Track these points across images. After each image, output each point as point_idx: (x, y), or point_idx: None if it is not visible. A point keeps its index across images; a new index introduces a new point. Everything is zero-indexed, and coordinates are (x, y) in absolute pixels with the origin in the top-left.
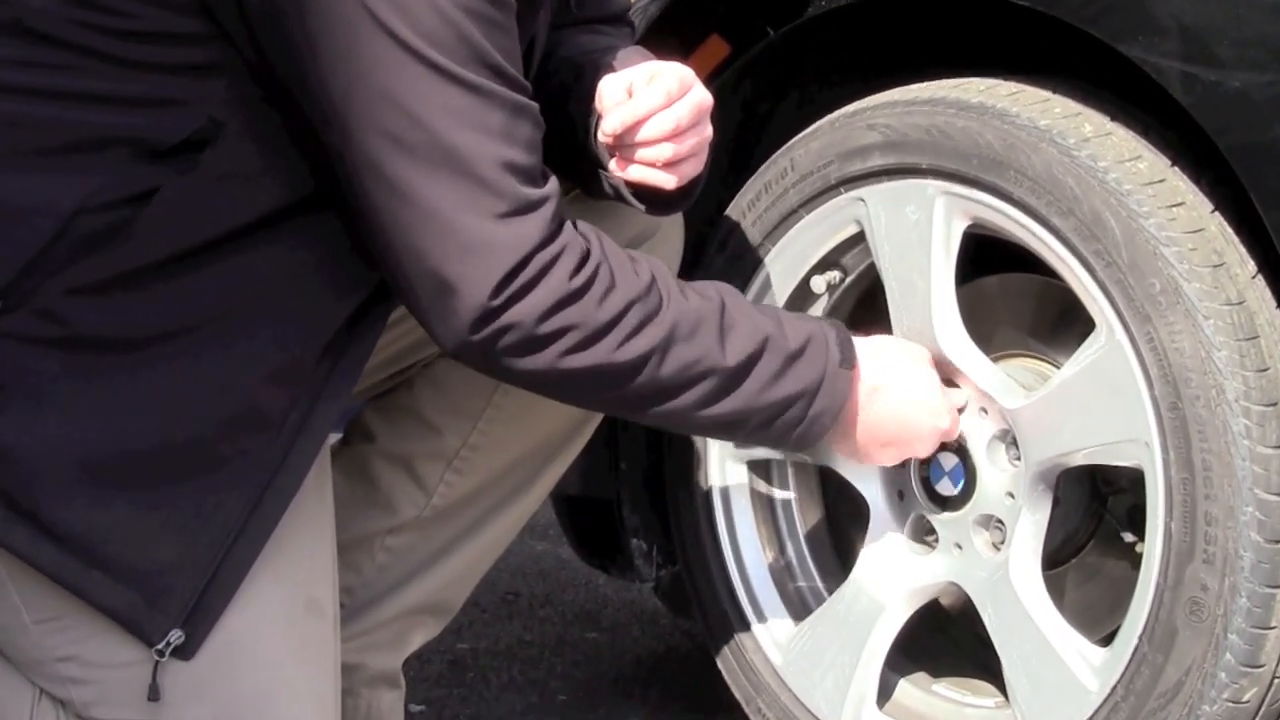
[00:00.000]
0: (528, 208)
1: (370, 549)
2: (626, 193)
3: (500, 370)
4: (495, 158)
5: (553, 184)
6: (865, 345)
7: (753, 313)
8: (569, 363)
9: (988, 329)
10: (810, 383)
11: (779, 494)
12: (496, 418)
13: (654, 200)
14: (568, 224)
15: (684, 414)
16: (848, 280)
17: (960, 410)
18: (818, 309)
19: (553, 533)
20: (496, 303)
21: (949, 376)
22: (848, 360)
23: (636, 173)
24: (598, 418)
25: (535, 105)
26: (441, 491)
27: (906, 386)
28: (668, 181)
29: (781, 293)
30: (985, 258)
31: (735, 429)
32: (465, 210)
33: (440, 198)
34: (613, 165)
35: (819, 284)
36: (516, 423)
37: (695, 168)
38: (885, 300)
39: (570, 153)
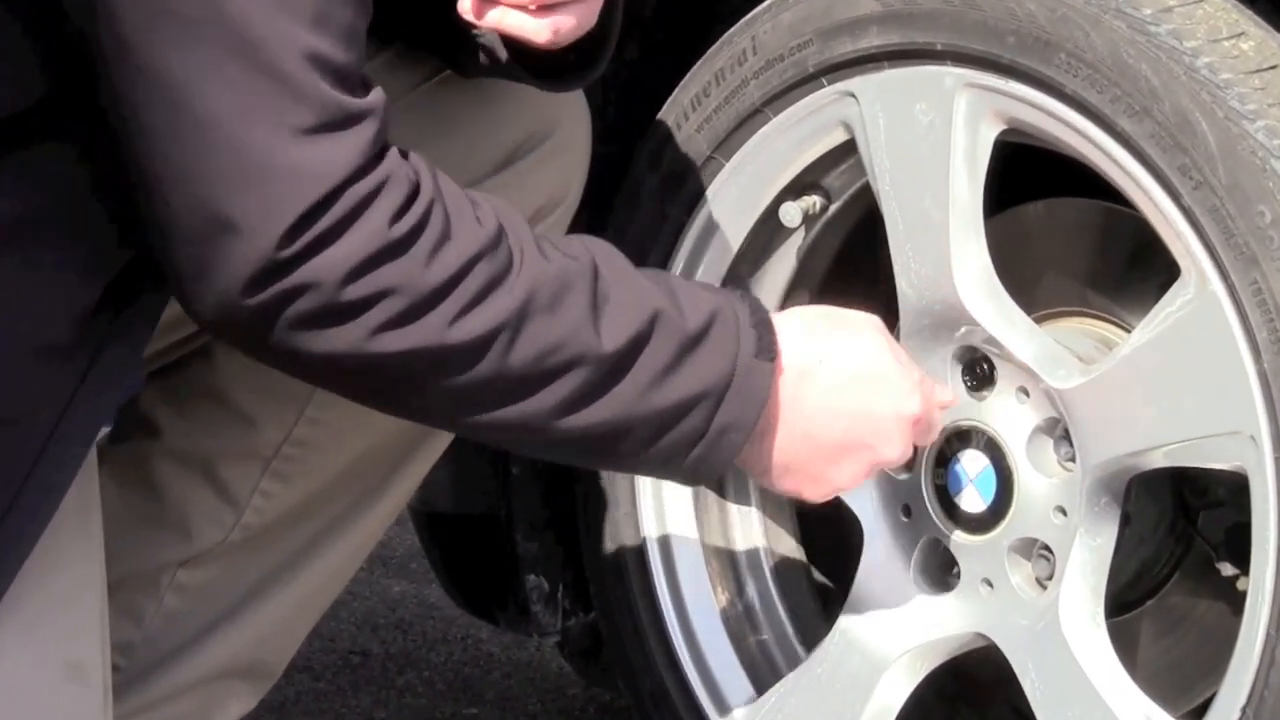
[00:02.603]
0: (341, 122)
1: (155, 589)
2: (505, 56)
3: (280, 352)
4: (301, 48)
5: (376, 95)
6: (787, 321)
7: (636, 278)
8: (381, 343)
9: (1029, 278)
10: (715, 380)
11: (736, 510)
12: (331, 400)
13: (544, 69)
14: (392, 150)
15: (539, 424)
16: (832, 209)
17: (943, 406)
18: (790, 250)
19: (415, 567)
20: (287, 253)
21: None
22: (766, 347)
23: (495, 17)
24: None
25: None
26: (256, 506)
27: (849, 363)
28: (538, 32)
29: (738, 227)
30: (1025, 177)
31: (608, 448)
32: (255, 120)
33: (221, 100)
34: (466, 5)
35: (792, 214)
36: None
37: (584, 18)
38: (884, 237)
39: (432, 16)
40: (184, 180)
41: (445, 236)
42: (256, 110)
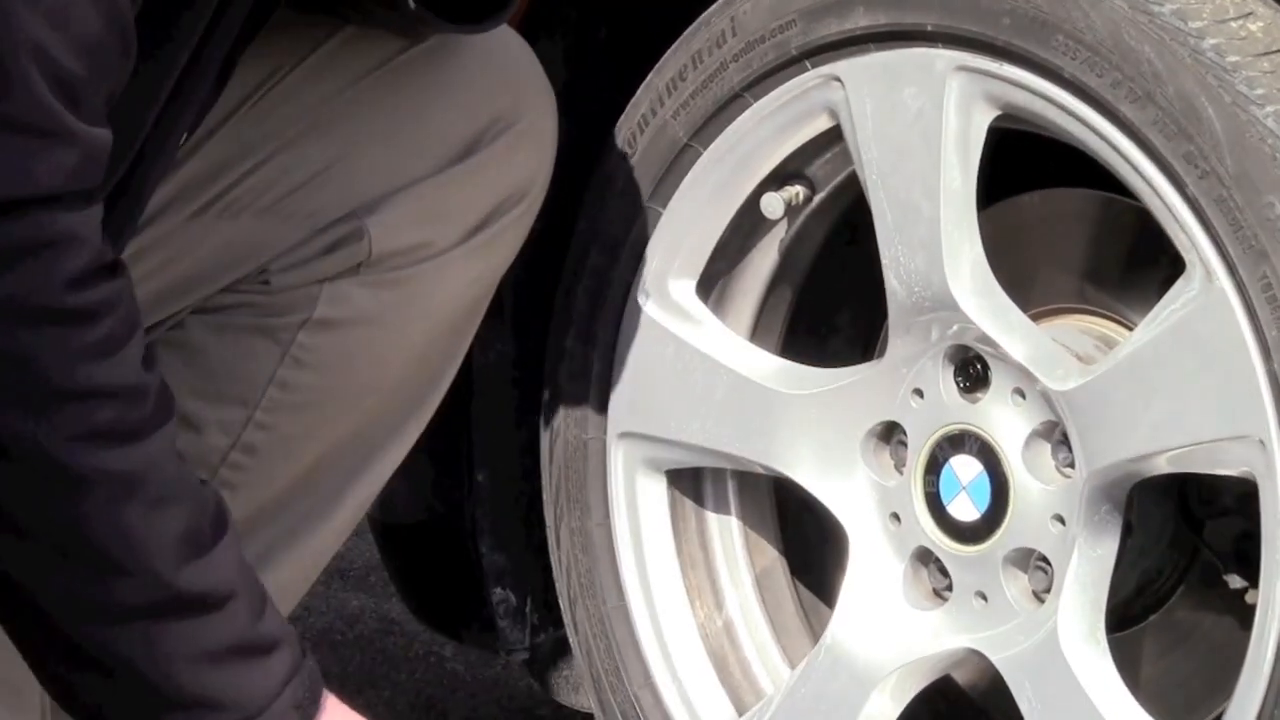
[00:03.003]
0: (57, 135)
1: None
2: (412, 3)
3: None
4: (28, 38)
5: (102, 135)
6: (337, 715)
7: (236, 553)
8: None
9: (1025, 273)
10: (247, 701)
11: (714, 520)
12: (285, 401)
13: (453, 11)
14: (96, 213)
15: (55, 604)
16: (816, 200)
17: None
18: (771, 243)
19: (375, 580)
20: None
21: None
22: (306, 711)
23: None
24: (442, 386)
25: None
26: None
27: None
28: None
29: (716, 218)
30: (1021, 167)
31: (103, 687)
32: None
33: None
34: None
35: (773, 205)
36: (318, 407)
37: None
38: (871, 230)
39: None
40: None
41: (108, 350)
42: None
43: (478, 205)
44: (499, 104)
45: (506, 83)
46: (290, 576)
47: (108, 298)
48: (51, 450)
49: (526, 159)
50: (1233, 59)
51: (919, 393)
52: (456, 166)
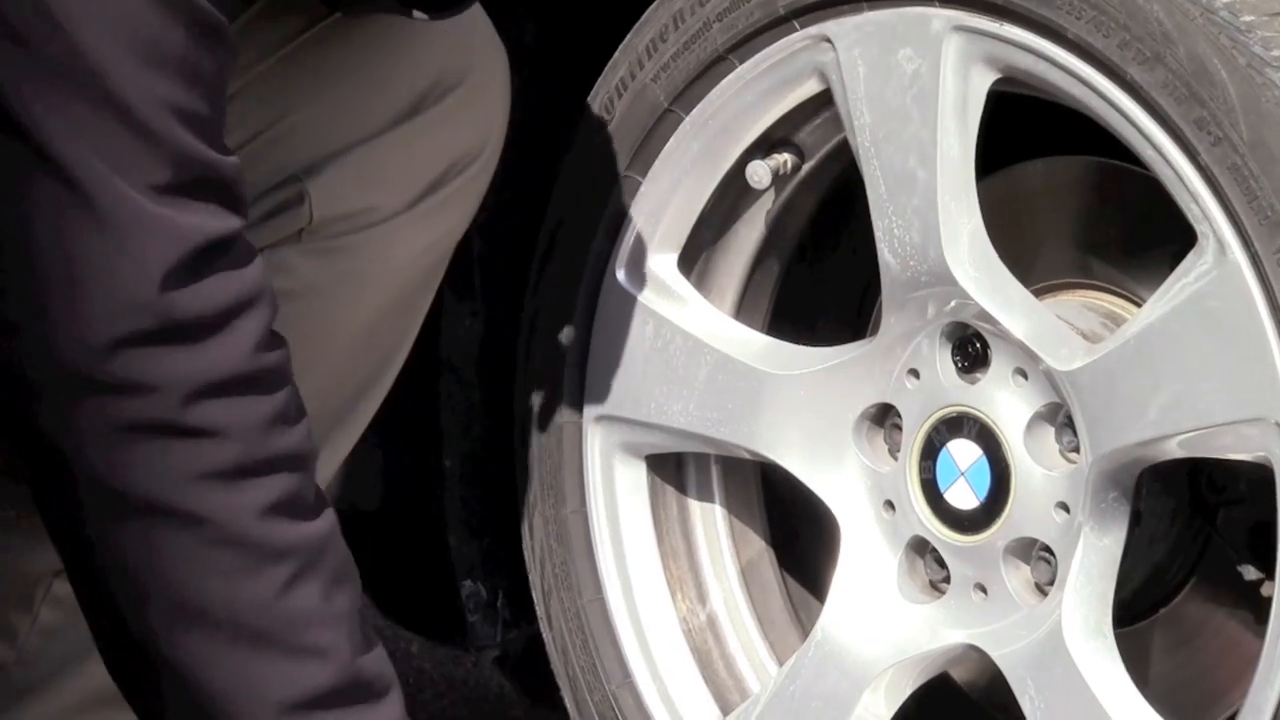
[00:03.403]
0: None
1: (29, 603)
2: None
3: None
4: (160, 98)
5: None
6: None
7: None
8: (174, 493)
9: (1027, 245)
10: None
11: (697, 508)
12: None
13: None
14: (264, 271)
15: (253, 701)
16: (805, 168)
17: None
18: (758, 214)
19: None
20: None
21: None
22: None
23: None
24: (396, 362)
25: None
26: None
27: None
28: None
29: (699, 188)
30: (1023, 133)
31: None
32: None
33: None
34: None
35: (759, 174)
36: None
37: None
38: (864, 199)
39: None
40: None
41: (290, 412)
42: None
43: (426, 167)
44: (445, 60)
45: (452, 38)
46: None
47: (286, 361)
48: (244, 526)
49: (477, 118)
50: (1247, 18)
51: (914, 373)
52: (401, 126)
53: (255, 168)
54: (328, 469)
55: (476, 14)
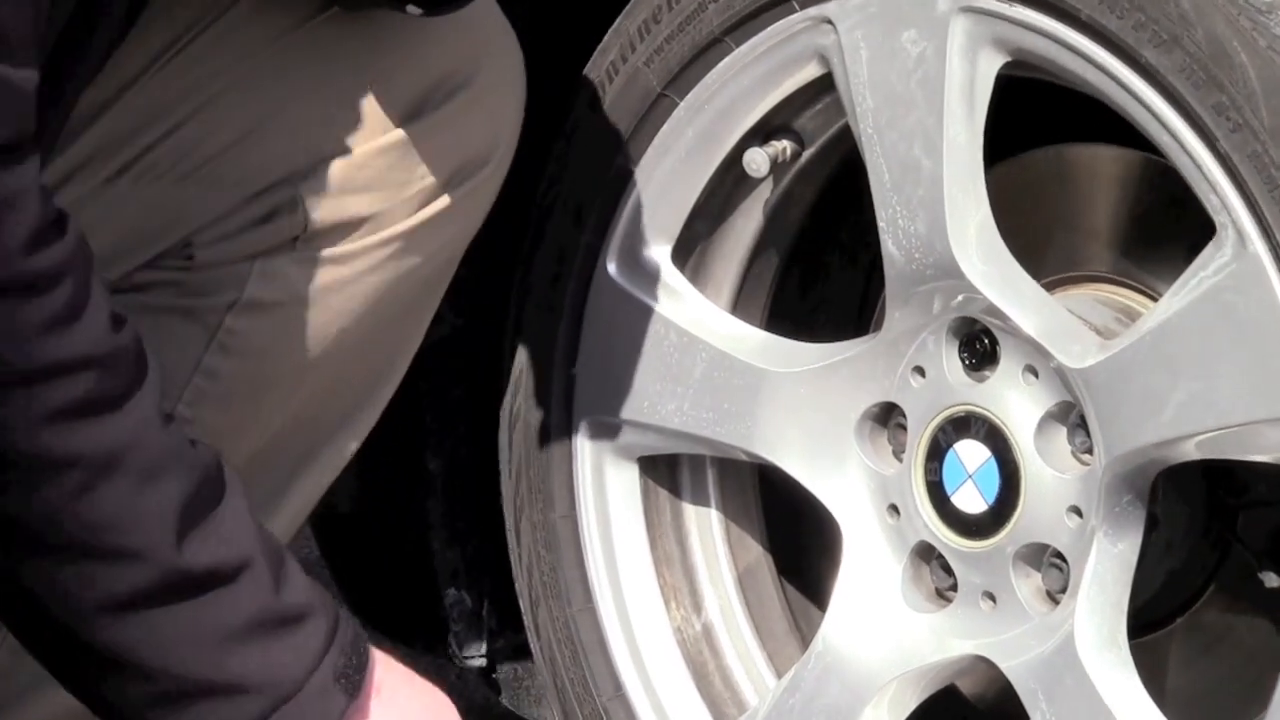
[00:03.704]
0: None
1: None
2: None
3: None
4: None
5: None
6: (389, 677)
7: (248, 520)
8: None
9: (1038, 237)
10: (281, 679)
11: (692, 512)
12: (211, 392)
13: None
14: (36, 164)
15: (66, 607)
16: (805, 156)
17: None
18: (756, 204)
19: (313, 578)
20: None
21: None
22: (351, 680)
23: None
24: (398, 372)
25: None
26: None
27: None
28: None
29: (694, 177)
30: (1033, 119)
31: (125, 687)
32: None
33: None
34: None
35: (757, 162)
36: (249, 398)
37: None
38: (867, 189)
39: None
40: None
41: (74, 315)
42: None
43: (429, 173)
44: (453, 57)
45: (462, 33)
46: None
47: (66, 257)
48: (20, 439)
49: (487, 119)
50: None
51: (920, 371)
52: (403, 129)
53: (243, 168)
54: (324, 480)
55: (489, 6)
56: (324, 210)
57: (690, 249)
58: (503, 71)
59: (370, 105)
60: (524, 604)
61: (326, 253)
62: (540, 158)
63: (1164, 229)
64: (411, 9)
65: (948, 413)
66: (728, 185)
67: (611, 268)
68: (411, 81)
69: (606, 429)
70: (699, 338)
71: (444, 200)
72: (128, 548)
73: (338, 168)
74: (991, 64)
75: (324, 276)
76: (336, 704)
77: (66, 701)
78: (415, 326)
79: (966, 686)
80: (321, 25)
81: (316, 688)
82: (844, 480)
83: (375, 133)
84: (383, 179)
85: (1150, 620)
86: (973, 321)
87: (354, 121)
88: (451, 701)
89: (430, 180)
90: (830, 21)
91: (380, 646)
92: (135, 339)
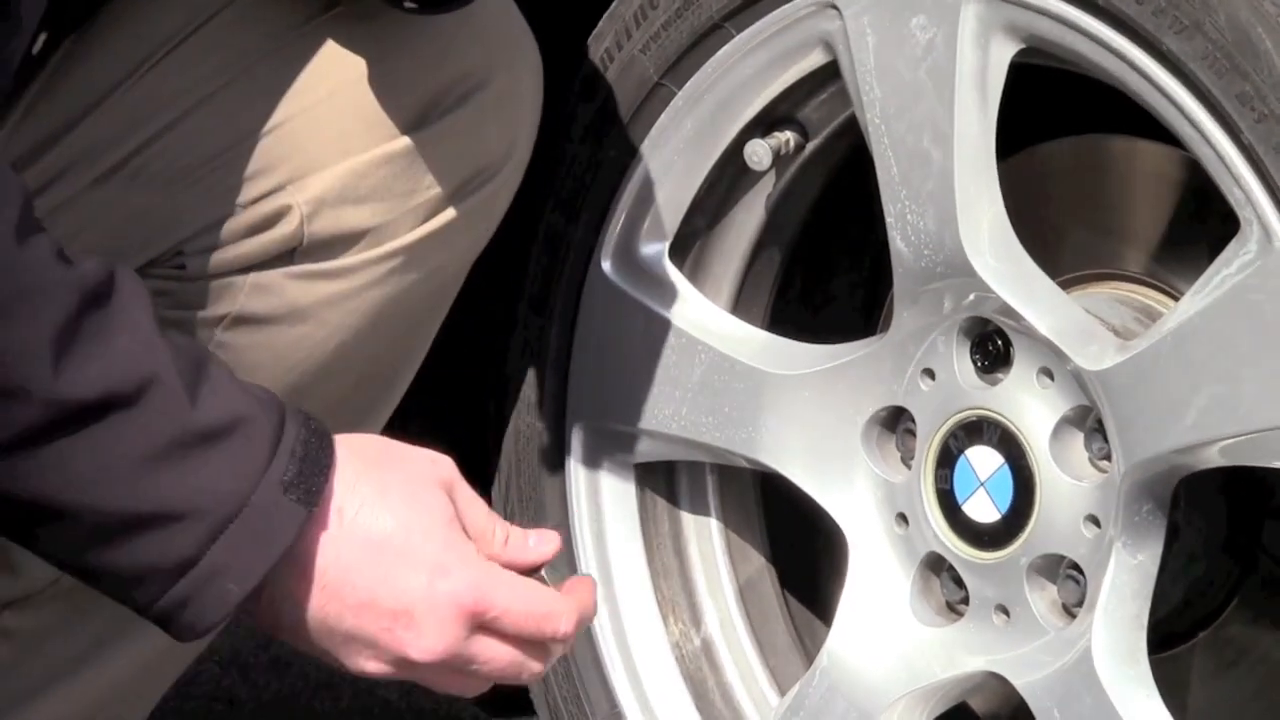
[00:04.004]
0: None
1: None
2: None
3: None
4: None
5: None
6: (352, 452)
7: (143, 339)
8: None
9: (1053, 233)
10: (215, 501)
11: (691, 522)
12: None
13: None
14: None
15: None
16: (809, 148)
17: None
18: (757, 199)
19: None
20: None
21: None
22: (305, 488)
23: None
24: (398, 390)
25: None
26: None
27: (393, 515)
28: None
29: (693, 170)
30: (1048, 109)
31: (47, 532)
32: None
33: None
34: None
35: (759, 154)
36: None
37: None
38: (875, 182)
39: None
40: None
41: None
42: None
43: (436, 183)
44: (465, 59)
45: (476, 33)
46: None
47: None
48: None
49: (501, 127)
50: None
51: (929, 373)
52: (410, 136)
53: (238, 173)
54: None
55: (506, 5)
56: (322, 221)
57: (689, 246)
58: (519, 75)
59: (374, 110)
60: None
61: (325, 266)
62: (533, 150)
63: (1186, 224)
64: (408, 4)
65: (959, 417)
66: (728, 179)
67: (606, 265)
68: (420, 85)
69: (601, 435)
70: (698, 339)
71: (451, 212)
72: (1, 388)
73: (338, 176)
74: (1004, 51)
75: (322, 291)
76: (291, 517)
77: (75, 703)
78: (418, 344)
79: (978, 704)
80: (324, 25)
81: (261, 505)
82: (850, 488)
83: (379, 139)
84: (386, 188)
85: (1171, 635)
86: (985, 321)
87: (357, 127)
88: (449, 458)
89: (437, 190)
90: (835, 7)
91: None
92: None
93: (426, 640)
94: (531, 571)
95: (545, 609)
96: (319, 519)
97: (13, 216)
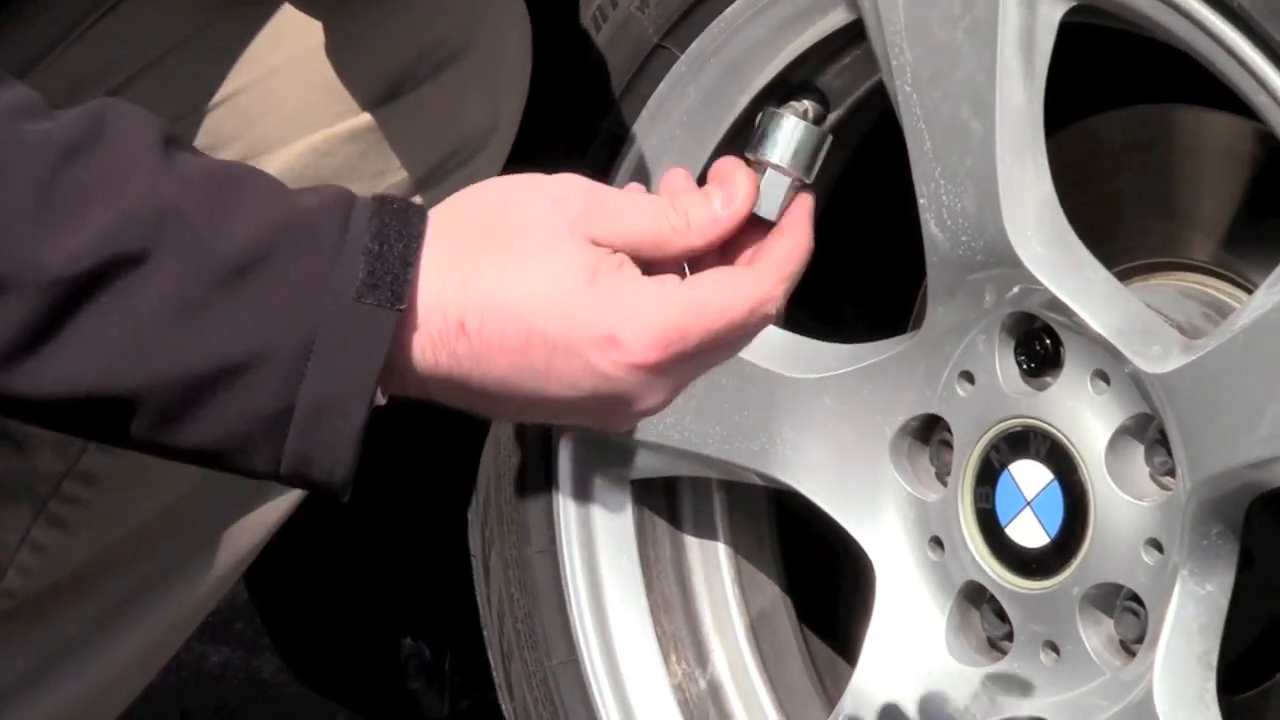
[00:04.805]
0: None
1: None
2: None
3: None
4: None
5: None
6: (452, 231)
7: (153, 170)
8: None
9: (1110, 216)
10: (274, 335)
11: (696, 547)
12: None
13: None
14: None
15: None
16: (831, 119)
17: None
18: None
19: (243, 628)
20: None
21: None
22: (386, 287)
23: None
24: None
25: None
26: (24, 563)
27: (521, 297)
28: None
29: (699, 145)
30: (1104, 75)
31: (100, 422)
32: None
33: None
34: None
35: None
36: None
37: None
38: (905, 158)
39: None
40: None
41: None
42: None
43: (411, 162)
44: (442, 23)
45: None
46: (144, 643)
47: None
48: None
49: (483, 99)
50: None
51: (968, 377)
52: (380, 109)
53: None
54: (259, 532)
55: None
56: None
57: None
58: (504, 41)
59: (339, 79)
60: (493, 656)
61: None
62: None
63: (1259, 208)
64: None
65: (1001, 427)
66: (737, 149)
67: None
68: (391, 51)
69: (592, 448)
70: None
71: (430, 193)
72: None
73: (298, 154)
74: (1054, 9)
75: None
76: (375, 327)
77: (60, 698)
78: None
79: None
80: None
81: (332, 323)
82: (877, 509)
83: (345, 113)
84: (353, 169)
85: (1244, 675)
86: (1031, 318)
87: (319, 99)
88: (572, 176)
89: (412, 170)
90: None
91: (324, 707)
92: None
93: (637, 413)
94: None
95: (745, 307)
96: (408, 317)
97: None
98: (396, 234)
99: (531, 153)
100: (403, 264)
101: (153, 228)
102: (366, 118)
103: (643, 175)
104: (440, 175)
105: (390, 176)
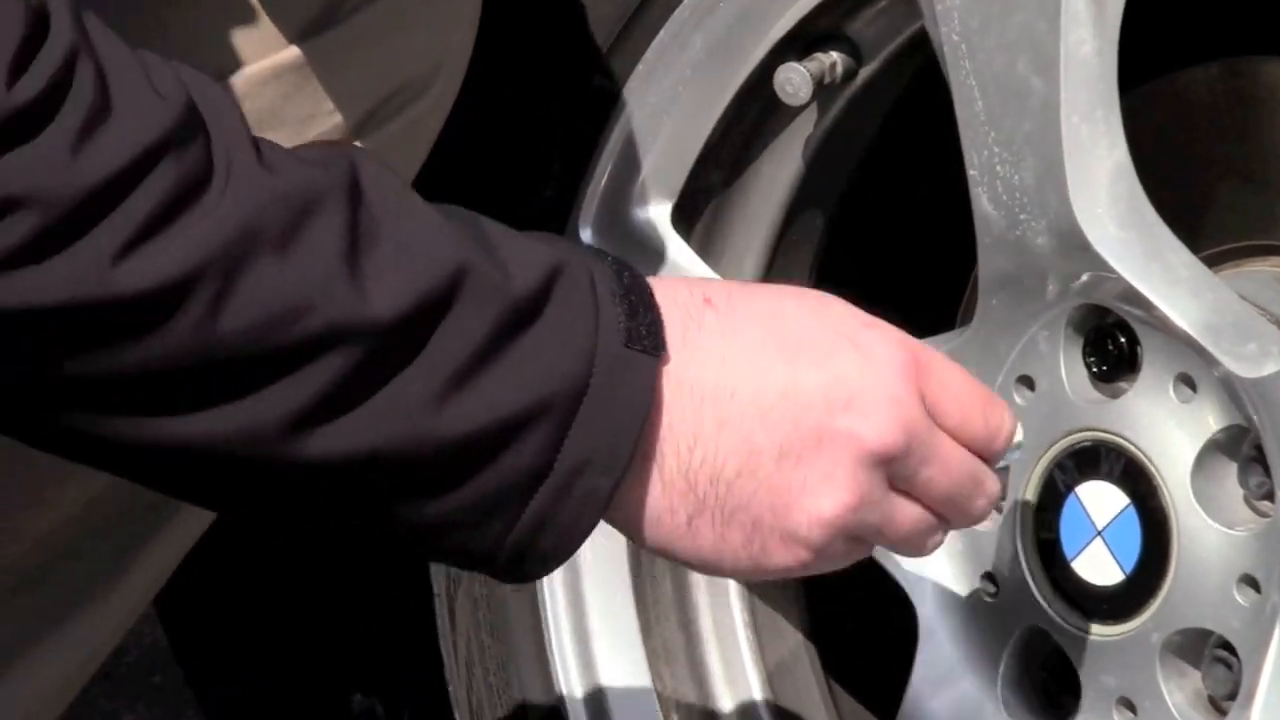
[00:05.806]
0: None
1: None
2: None
3: None
4: None
5: None
6: (674, 292)
7: (423, 211)
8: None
9: (1196, 191)
10: (562, 380)
11: (703, 586)
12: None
13: None
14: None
15: (255, 446)
16: (863, 74)
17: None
18: (793, 143)
19: (161, 681)
20: None
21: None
22: (645, 329)
23: None
24: None
25: None
26: None
27: (774, 330)
28: None
29: (705, 106)
30: (1189, 25)
31: (366, 499)
32: None
33: None
34: None
35: (795, 83)
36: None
37: None
38: (953, 122)
39: None
40: None
41: (101, 110)
42: None
43: (344, 104)
44: None
45: None
46: (34, 690)
47: (66, 60)
48: (123, 278)
49: (427, 30)
50: None
51: (1027, 381)
52: (307, 42)
53: None
54: (163, 563)
55: None
56: None
57: (699, 208)
58: None
59: (260, 11)
60: (460, 715)
61: None
62: (491, 79)
63: None
64: None
65: (1067, 442)
66: (752, 117)
67: (585, 234)
68: None
69: None
70: None
71: (368, 139)
72: (309, 335)
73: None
74: None
75: None
76: (641, 369)
77: (54, 672)
78: None
79: None
80: None
81: (608, 364)
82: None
83: (265, 48)
84: (275, 113)
85: None
86: (1103, 312)
87: (237, 34)
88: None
89: (345, 114)
90: None
91: None
92: (176, 83)
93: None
94: None
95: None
96: (668, 360)
97: (245, 140)
98: (630, 278)
99: (502, 110)
100: (649, 307)
101: (456, 277)
102: (291, 52)
103: (641, 139)
104: (378, 120)
105: (320, 122)
